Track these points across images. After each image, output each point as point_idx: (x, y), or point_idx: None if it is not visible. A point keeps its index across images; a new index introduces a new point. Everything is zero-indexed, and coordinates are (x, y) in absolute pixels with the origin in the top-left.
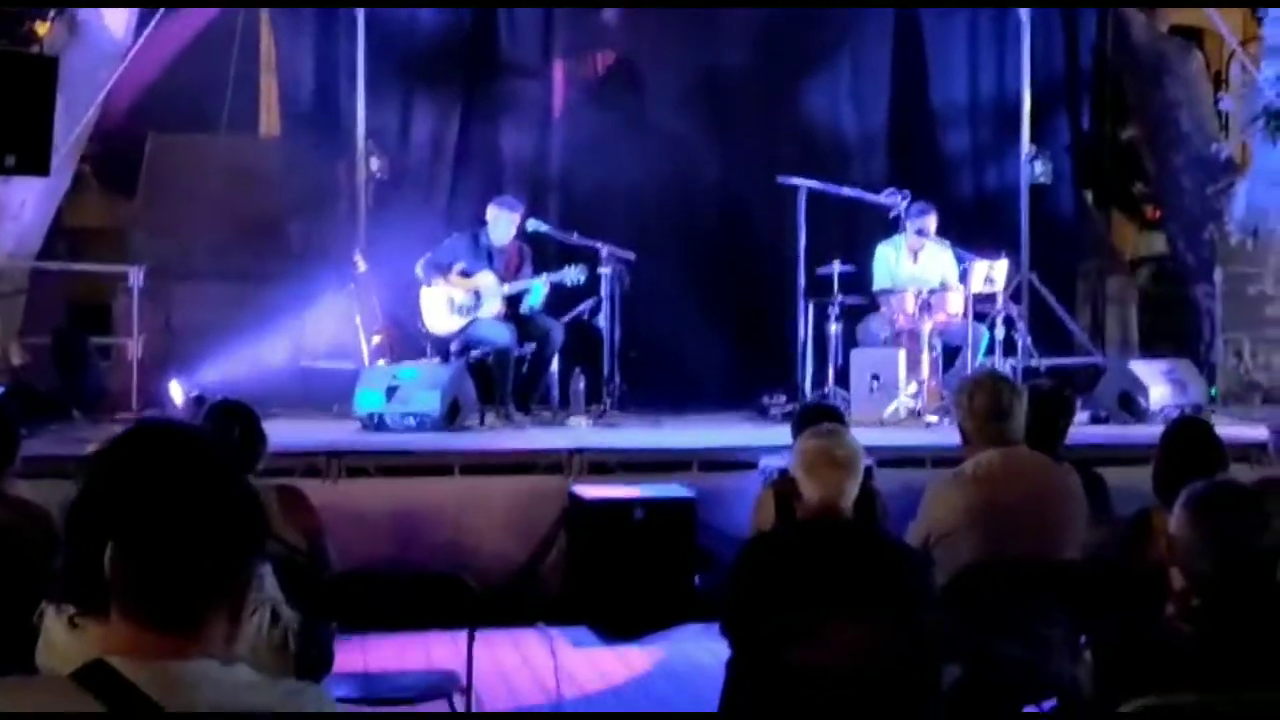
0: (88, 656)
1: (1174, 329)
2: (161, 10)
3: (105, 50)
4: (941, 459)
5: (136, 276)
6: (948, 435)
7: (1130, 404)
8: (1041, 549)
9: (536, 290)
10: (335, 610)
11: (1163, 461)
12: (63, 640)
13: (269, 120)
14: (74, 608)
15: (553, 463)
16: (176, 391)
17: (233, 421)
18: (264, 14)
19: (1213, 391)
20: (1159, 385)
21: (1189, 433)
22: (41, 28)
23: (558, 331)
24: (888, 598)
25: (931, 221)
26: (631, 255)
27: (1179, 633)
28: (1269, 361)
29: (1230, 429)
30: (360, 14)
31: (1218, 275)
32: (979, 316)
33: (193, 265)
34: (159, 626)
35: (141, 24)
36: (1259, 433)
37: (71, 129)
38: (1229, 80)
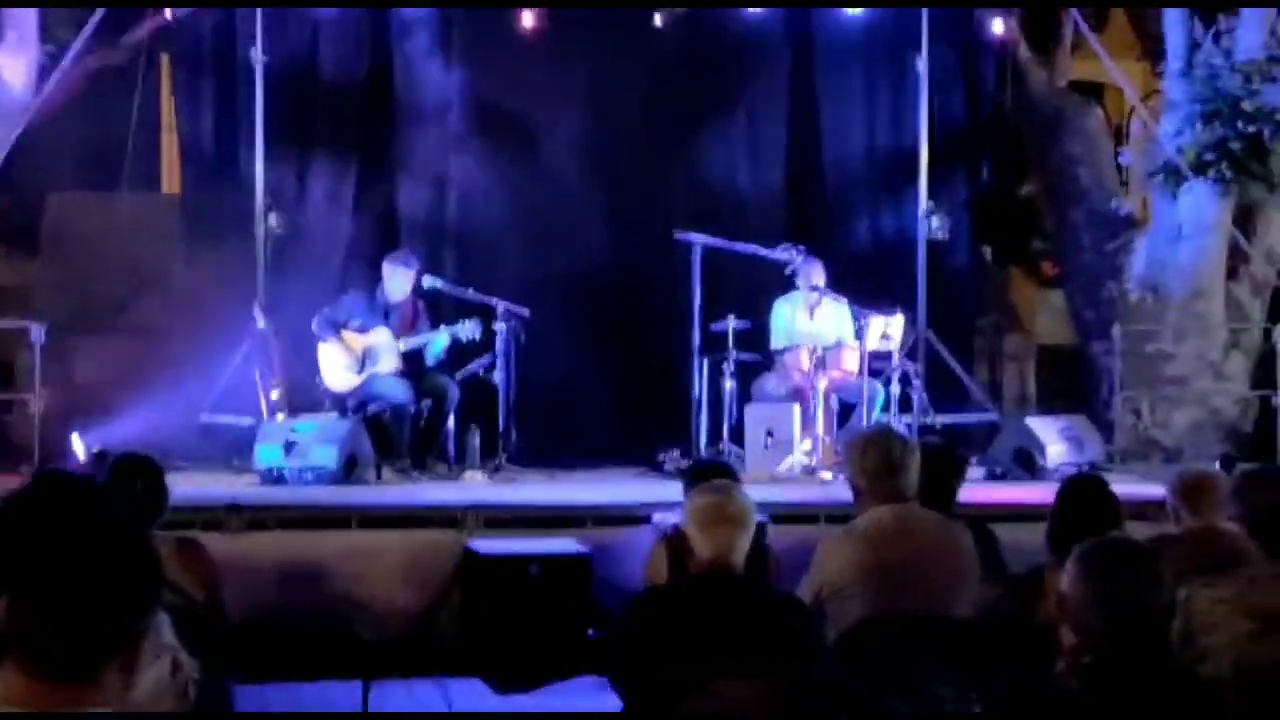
0: None
1: (1072, 387)
2: (64, 64)
3: (4, 108)
4: (835, 515)
5: (38, 333)
6: (842, 492)
7: (1027, 461)
8: (933, 606)
9: (438, 342)
10: (234, 660)
11: (1057, 518)
12: None
13: (170, 177)
14: None
15: (448, 517)
16: (79, 446)
17: (136, 475)
18: (164, 70)
19: (1109, 448)
20: (1056, 442)
21: (1084, 490)
22: None
23: (453, 388)
24: (778, 653)
25: (818, 273)
26: (526, 311)
27: (1068, 690)
28: (1168, 419)
29: (1128, 487)
30: (259, 69)
31: (1116, 332)
32: (874, 373)
33: (94, 321)
34: (53, 677)
35: (41, 82)
36: (1157, 490)
37: None
38: (1129, 135)
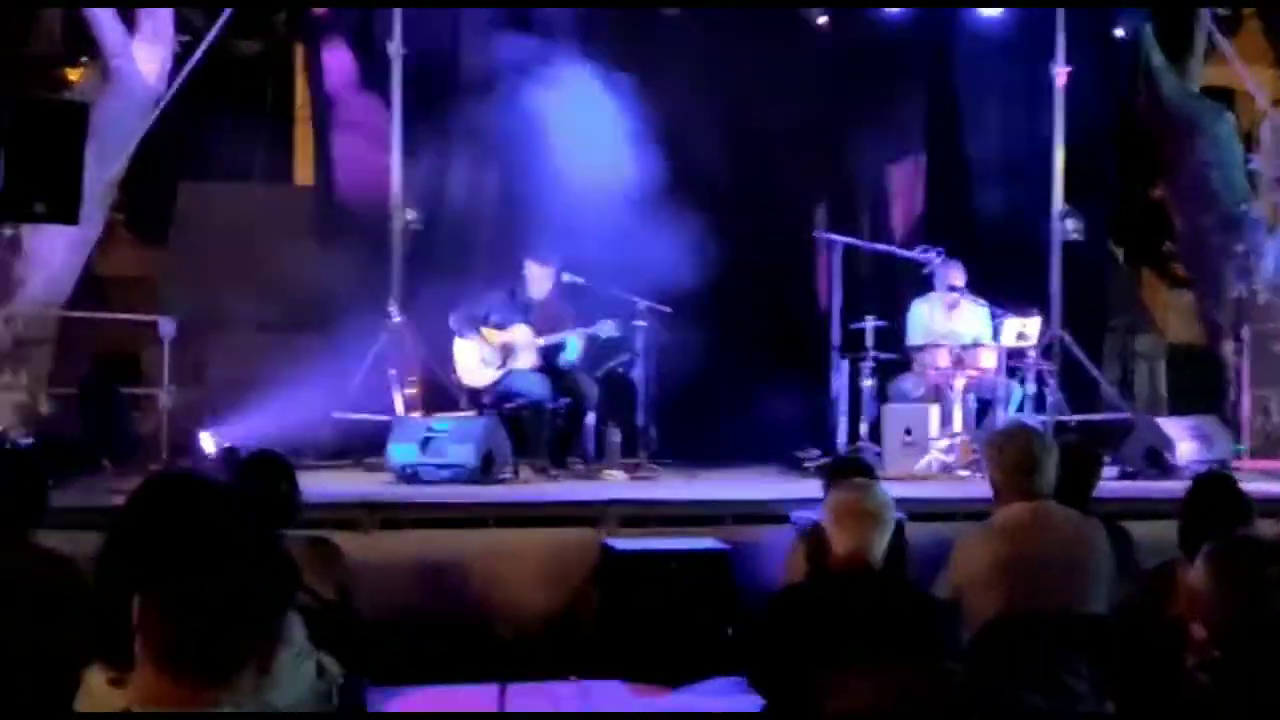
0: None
1: (1202, 386)
2: (196, 57)
3: (138, 97)
4: (972, 513)
5: (168, 326)
6: (979, 489)
7: (1157, 460)
8: (1068, 602)
9: (572, 345)
10: (367, 662)
11: (1187, 516)
12: (102, 694)
13: (303, 170)
14: (111, 669)
15: (587, 515)
16: (208, 442)
17: (267, 474)
18: (299, 63)
19: (1238, 448)
20: (1186, 441)
21: (1214, 488)
22: (74, 74)
23: (592, 385)
24: (914, 649)
25: (957, 274)
26: (667, 309)
27: (1199, 684)
28: None
29: (1257, 484)
30: (397, 61)
31: (1245, 332)
32: (1011, 372)
33: (225, 315)
34: (185, 676)
35: (175, 72)
36: None
37: (103, 177)
38: (1260, 141)
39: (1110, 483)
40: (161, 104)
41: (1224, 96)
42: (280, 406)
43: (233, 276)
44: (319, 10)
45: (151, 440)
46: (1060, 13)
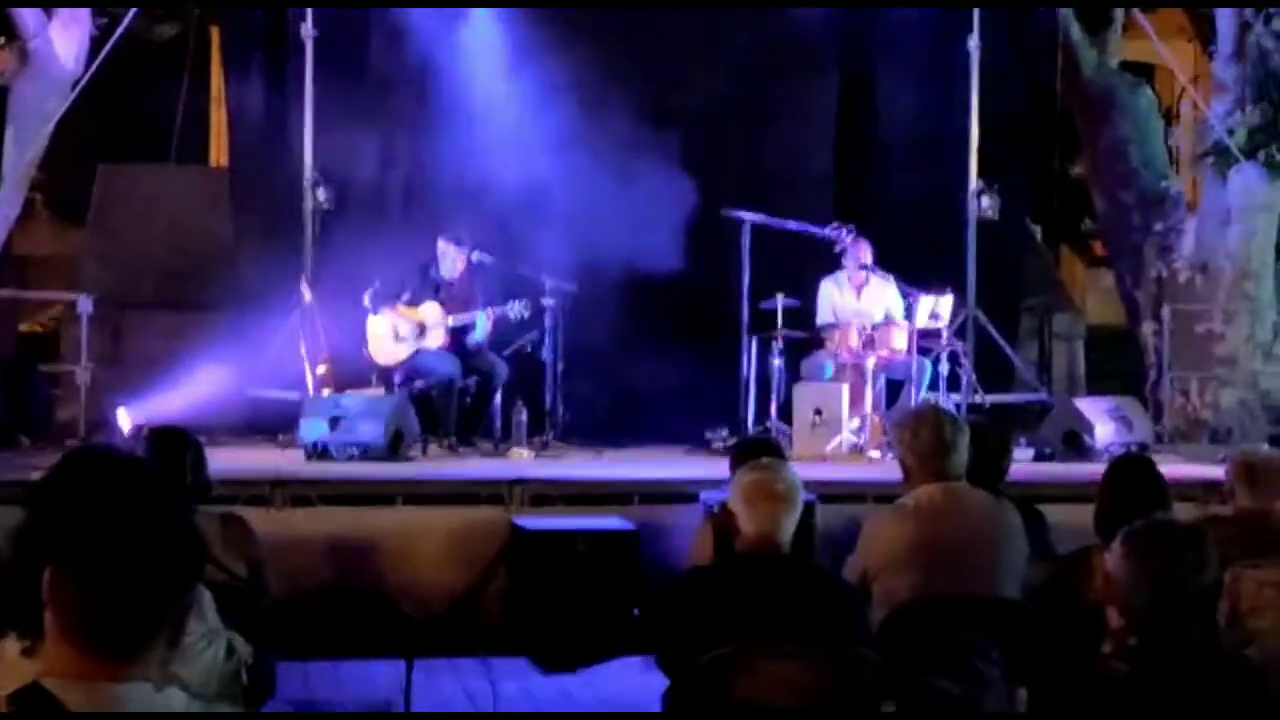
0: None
1: (1121, 367)
2: (111, 41)
3: (56, 79)
4: (883, 494)
5: (85, 305)
6: (890, 471)
7: (1075, 442)
8: (980, 586)
9: (481, 324)
10: (275, 637)
11: (1105, 499)
12: (13, 662)
13: (218, 151)
14: (21, 637)
15: (495, 494)
16: (124, 419)
17: (174, 449)
18: (215, 45)
19: (1157, 429)
20: (1104, 423)
21: (1132, 471)
22: None
23: (501, 364)
24: (823, 632)
25: (866, 252)
26: (574, 287)
27: (1114, 671)
28: (1216, 400)
29: (1176, 468)
30: (309, 44)
31: (1165, 313)
32: (923, 352)
33: (141, 294)
34: (95, 650)
35: (92, 54)
36: (1206, 471)
37: (21, 158)
38: (1179, 116)
39: (1027, 465)
40: (79, 86)
41: (1143, 71)
42: (194, 384)
43: (150, 255)
44: None
45: (69, 417)
46: None
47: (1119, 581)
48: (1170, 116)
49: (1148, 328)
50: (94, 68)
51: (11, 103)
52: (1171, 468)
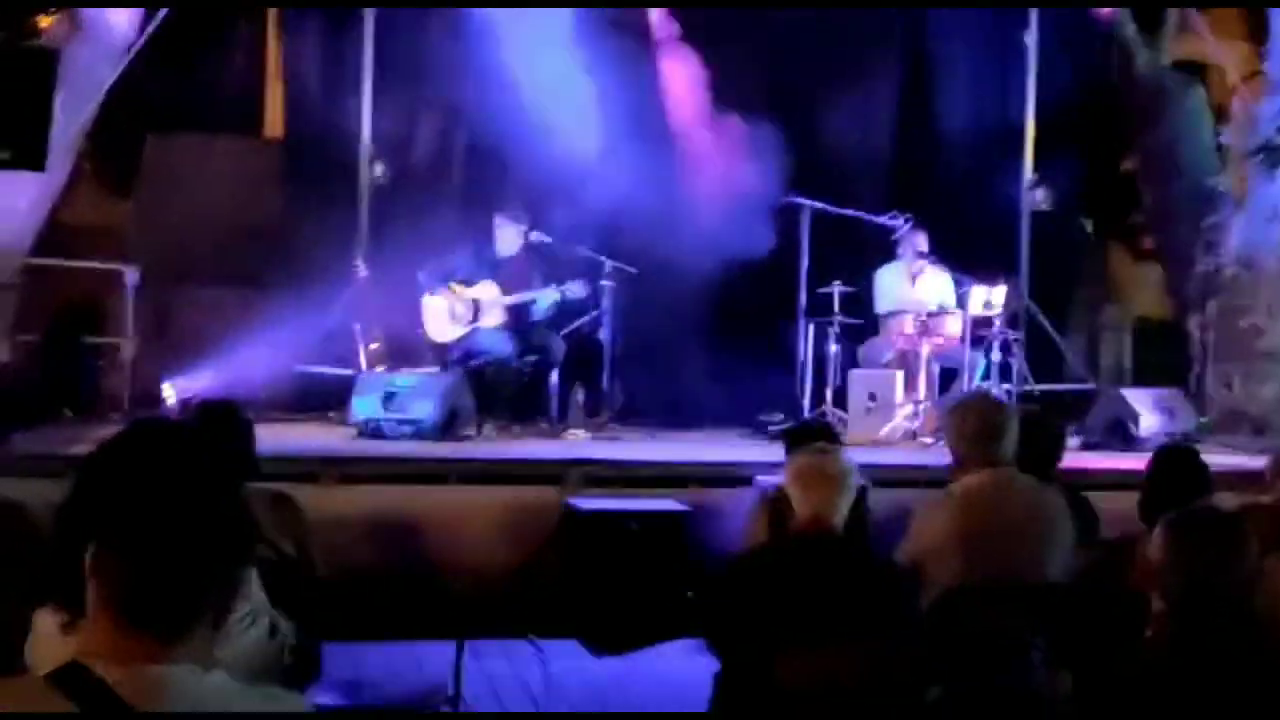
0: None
1: (1167, 359)
2: (166, 8)
3: (108, 47)
4: (935, 480)
5: (132, 276)
6: (942, 457)
7: (1121, 431)
8: (1027, 571)
9: (545, 299)
10: (324, 618)
11: (1149, 488)
12: (52, 640)
13: (272, 123)
14: (64, 612)
15: (549, 474)
16: (170, 394)
17: (223, 426)
18: (271, 16)
19: (1203, 420)
20: (1149, 413)
21: (1175, 460)
22: (44, 21)
23: (558, 344)
24: (872, 616)
25: (922, 241)
26: (634, 270)
27: (1157, 656)
28: (1258, 393)
29: (1219, 458)
30: (369, 17)
31: (1211, 307)
32: (976, 341)
33: (190, 267)
34: (139, 629)
35: (146, 21)
36: (1246, 461)
37: (71, 125)
38: (1230, 114)
39: (1074, 453)
40: (132, 53)
41: (1195, 70)
42: (243, 359)
43: (199, 228)
44: None
45: (113, 391)
46: None
47: (1159, 567)
48: (1221, 114)
49: (1193, 321)
50: (147, 35)
51: (63, 68)
52: (1214, 458)
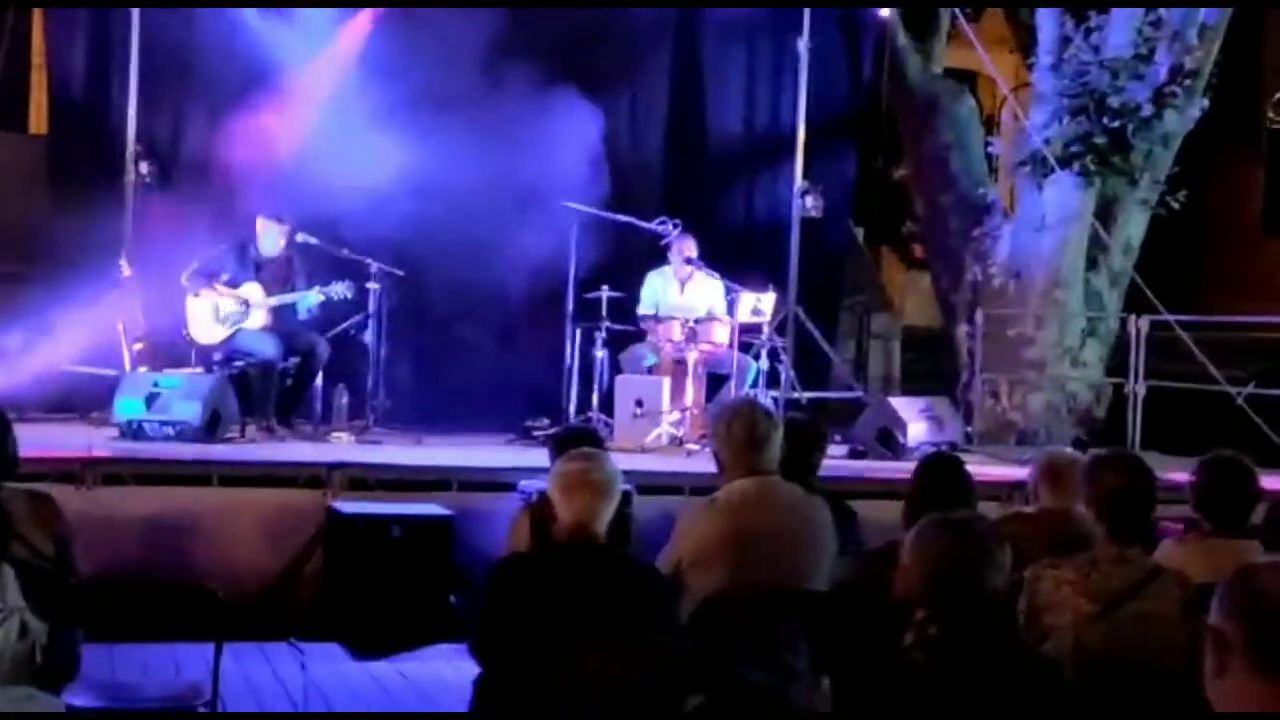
0: None
1: (935, 368)
2: None
3: None
4: (699, 487)
5: None
6: (707, 464)
7: (888, 440)
8: (789, 578)
9: (303, 304)
10: (82, 618)
11: (914, 496)
12: None
13: (37, 118)
14: None
15: (312, 477)
16: None
17: None
18: (37, 10)
19: (968, 430)
20: (916, 422)
21: (939, 469)
22: None
23: (323, 346)
24: (634, 622)
25: (691, 247)
26: (400, 272)
27: (913, 662)
28: (1024, 402)
29: (984, 468)
30: (135, 14)
31: (979, 316)
32: (744, 347)
33: None
34: None
35: None
36: (1012, 471)
37: None
38: (999, 125)
39: (840, 461)
40: None
41: (966, 79)
42: (5, 357)
43: None
44: None
45: None
46: None
47: (906, 572)
48: (991, 124)
49: (962, 330)
50: None
51: None
52: (979, 468)
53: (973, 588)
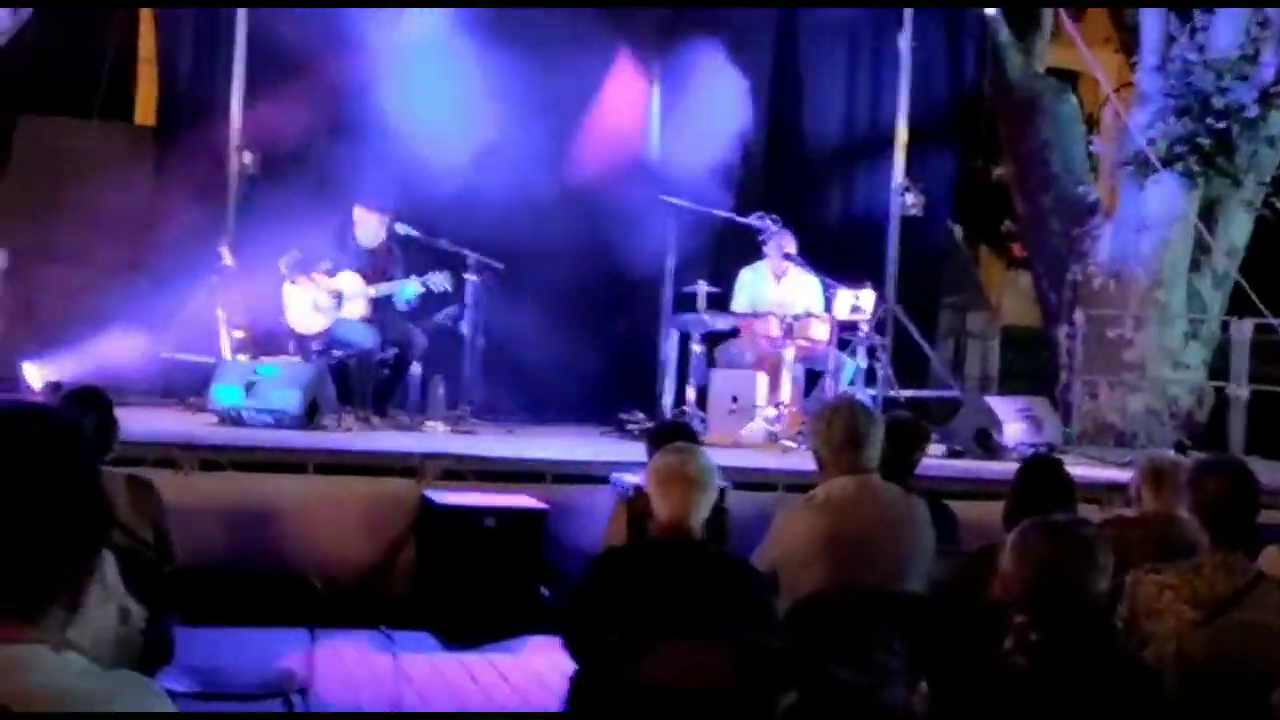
0: None
1: (1033, 368)
2: None
3: None
4: (795, 484)
5: (1, 257)
6: (803, 461)
7: (985, 440)
8: (887, 578)
9: (407, 290)
10: (178, 603)
11: (1013, 498)
12: None
13: (144, 109)
14: None
15: (407, 467)
16: (33, 375)
17: (87, 408)
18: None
19: (1069, 431)
20: (1014, 422)
21: (1040, 471)
22: None
23: (420, 336)
24: (730, 619)
25: (789, 243)
26: (499, 264)
27: (1013, 666)
28: (1124, 404)
29: (1084, 469)
30: (242, 8)
31: (1079, 316)
32: (842, 345)
33: (58, 249)
34: None
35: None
36: (1111, 474)
37: None
38: (1101, 124)
39: (937, 460)
40: (4, 36)
41: (1068, 78)
42: (108, 343)
43: (68, 211)
44: None
45: None
46: None
47: (1006, 575)
48: (1093, 124)
49: (1061, 330)
50: (21, 19)
51: None
52: (1078, 469)
53: (1076, 593)
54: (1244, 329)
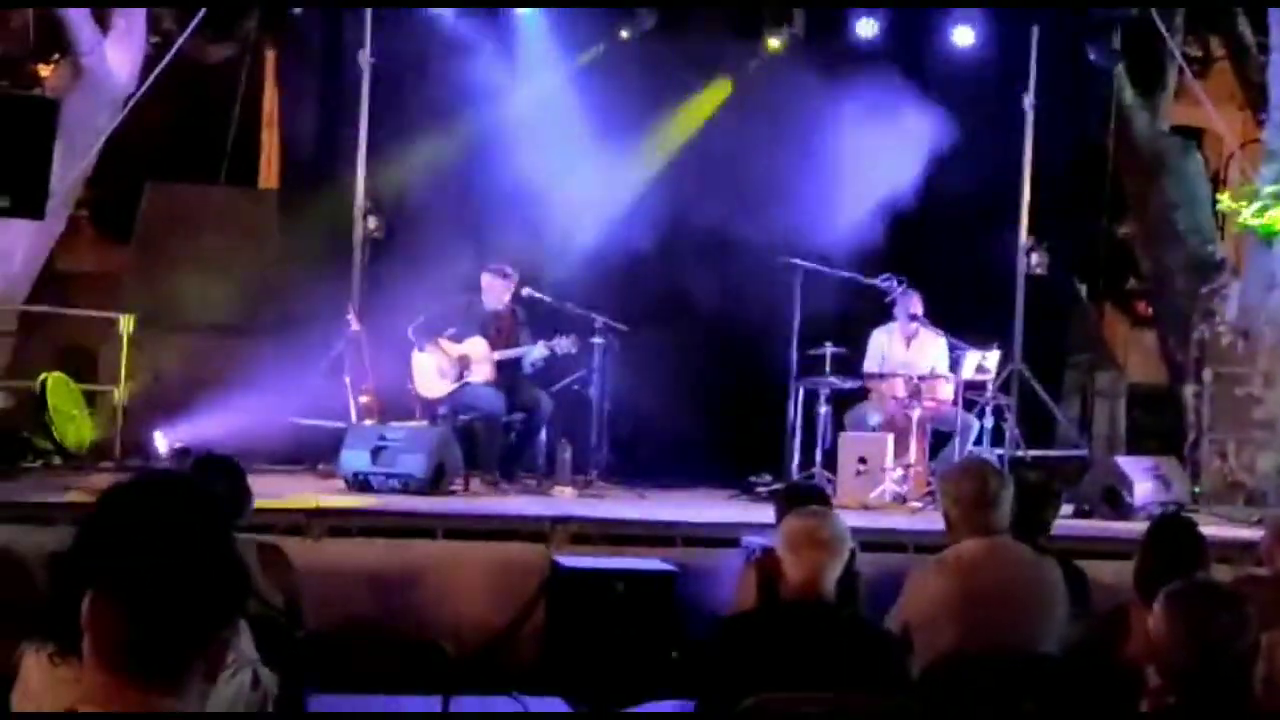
0: (60, 701)
1: (1161, 426)
2: (166, 59)
3: (108, 96)
4: (924, 545)
5: (126, 324)
6: (931, 521)
7: (1114, 499)
8: (1019, 640)
9: (534, 353)
10: (309, 669)
11: (1145, 558)
12: (38, 683)
13: (268, 173)
14: (54, 647)
15: (536, 531)
16: (161, 442)
17: (218, 475)
18: (269, 67)
19: (1197, 489)
20: (1143, 481)
21: (1173, 531)
22: (45, 70)
23: (547, 400)
24: (865, 682)
25: (916, 304)
26: (624, 327)
27: None
28: (1253, 462)
29: (1213, 529)
30: (366, 72)
31: (1207, 374)
32: (969, 405)
33: (184, 315)
34: (133, 677)
35: (146, 72)
36: (1241, 533)
37: (69, 173)
38: (1227, 181)
39: (1066, 520)
40: (131, 103)
41: (1193, 135)
42: (235, 408)
43: (194, 277)
44: (293, 11)
45: (105, 437)
46: (1034, 42)
47: (1160, 641)
48: (1218, 181)
49: (1188, 389)
50: (147, 85)
51: (64, 117)
52: (1208, 529)
53: (1226, 656)
54: None
